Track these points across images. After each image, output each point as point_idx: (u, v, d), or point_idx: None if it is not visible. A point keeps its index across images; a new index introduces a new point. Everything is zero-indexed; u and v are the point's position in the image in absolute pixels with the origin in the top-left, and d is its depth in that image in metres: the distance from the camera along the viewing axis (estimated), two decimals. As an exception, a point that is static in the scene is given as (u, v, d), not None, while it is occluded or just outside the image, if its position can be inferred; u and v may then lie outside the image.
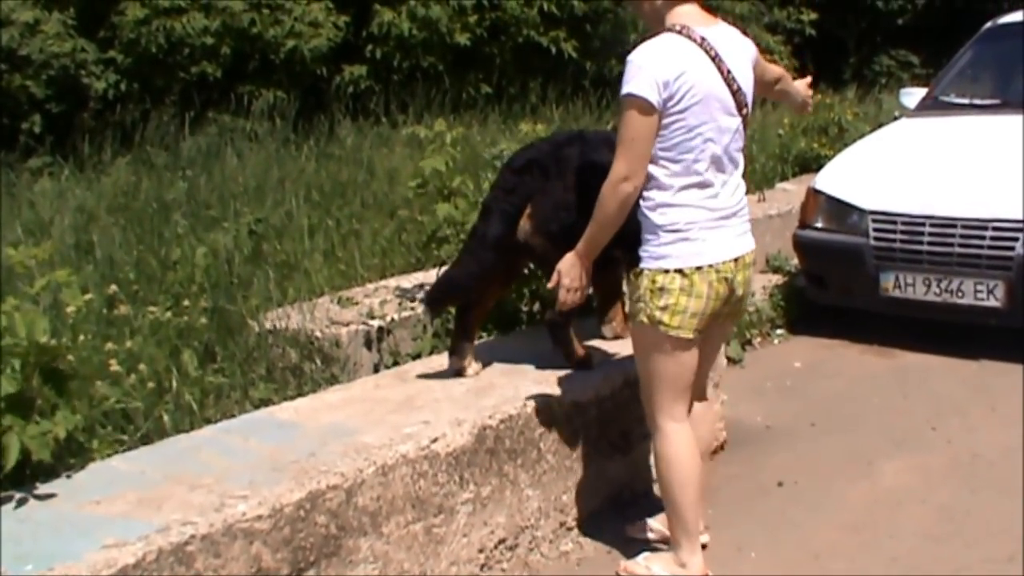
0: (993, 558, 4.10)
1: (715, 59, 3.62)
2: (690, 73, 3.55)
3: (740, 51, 3.77)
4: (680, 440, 3.83)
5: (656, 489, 4.12)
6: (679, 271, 3.63)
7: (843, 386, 6.15)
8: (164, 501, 3.24)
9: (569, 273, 3.80)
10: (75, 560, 2.86)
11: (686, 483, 3.83)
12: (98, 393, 4.14)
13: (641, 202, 3.68)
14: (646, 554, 4.03)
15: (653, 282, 3.66)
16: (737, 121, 3.72)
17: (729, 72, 3.65)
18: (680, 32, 3.61)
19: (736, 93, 3.68)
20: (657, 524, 4.22)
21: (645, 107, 3.53)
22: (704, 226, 3.65)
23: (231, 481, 3.39)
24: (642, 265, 3.69)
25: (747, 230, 3.85)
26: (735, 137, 3.73)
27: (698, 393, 4.04)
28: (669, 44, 3.60)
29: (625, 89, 3.56)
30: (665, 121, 3.57)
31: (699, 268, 3.64)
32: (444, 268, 5.53)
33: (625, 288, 4.88)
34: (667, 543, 4.04)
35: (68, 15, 11.48)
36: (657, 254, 3.66)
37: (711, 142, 3.64)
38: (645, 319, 3.70)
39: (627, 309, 4.87)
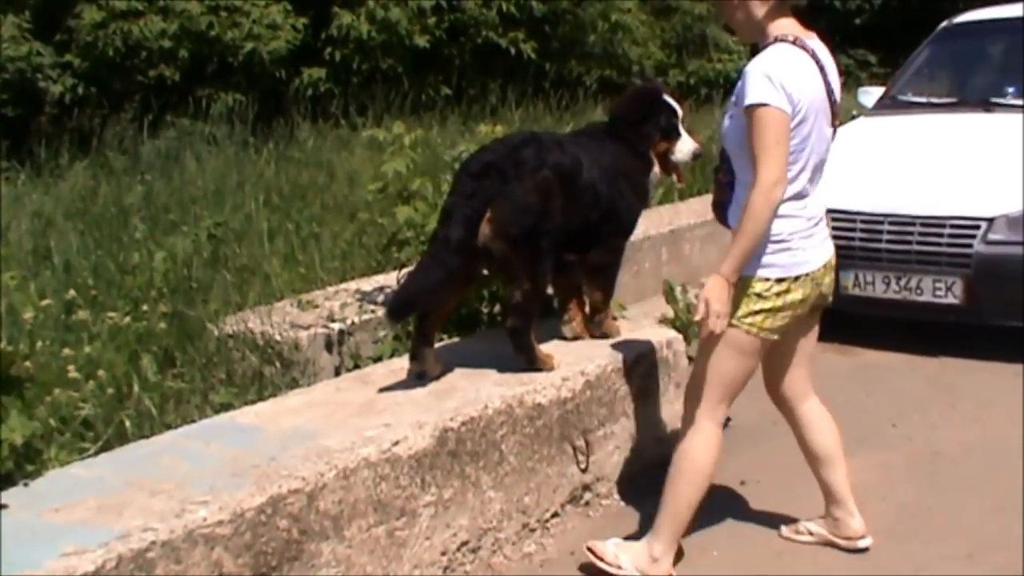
0: (953, 555, 4.13)
1: (821, 70, 3.70)
2: (807, 84, 3.64)
3: (832, 63, 3.83)
4: (712, 443, 3.92)
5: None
6: (779, 280, 3.70)
7: (804, 384, 6.16)
8: (124, 507, 3.21)
9: (719, 299, 3.65)
10: (35, 568, 2.83)
11: (699, 485, 3.92)
12: (56, 399, 4.10)
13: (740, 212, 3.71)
14: (616, 540, 4.05)
15: (751, 288, 3.72)
16: (830, 132, 3.80)
17: (829, 84, 3.73)
18: (794, 43, 3.67)
19: (833, 104, 3.77)
20: (817, 527, 4.27)
21: (780, 114, 3.57)
22: (802, 235, 3.72)
23: (192, 487, 3.36)
24: (748, 272, 3.71)
25: (828, 234, 3.90)
26: (828, 147, 3.80)
27: (808, 387, 4.17)
28: (790, 55, 3.66)
29: (757, 99, 3.57)
30: None
31: (797, 278, 3.72)
32: (406, 271, 5.53)
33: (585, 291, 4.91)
34: (829, 545, 4.20)
35: (23, 18, 11.37)
36: (757, 263, 3.69)
37: (814, 153, 3.71)
38: (738, 322, 3.74)
39: (583, 307, 4.93)
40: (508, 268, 4.38)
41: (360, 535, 3.61)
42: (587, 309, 4.94)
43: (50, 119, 11.46)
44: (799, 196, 3.72)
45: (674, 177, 5.10)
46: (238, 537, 3.22)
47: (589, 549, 4.01)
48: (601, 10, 14.06)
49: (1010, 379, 5.96)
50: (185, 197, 8.19)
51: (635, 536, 4.12)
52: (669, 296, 6.77)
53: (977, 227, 6.23)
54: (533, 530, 4.31)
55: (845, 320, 6.83)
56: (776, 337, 3.81)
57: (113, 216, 7.72)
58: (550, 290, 5.00)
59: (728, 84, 15.45)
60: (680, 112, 4.92)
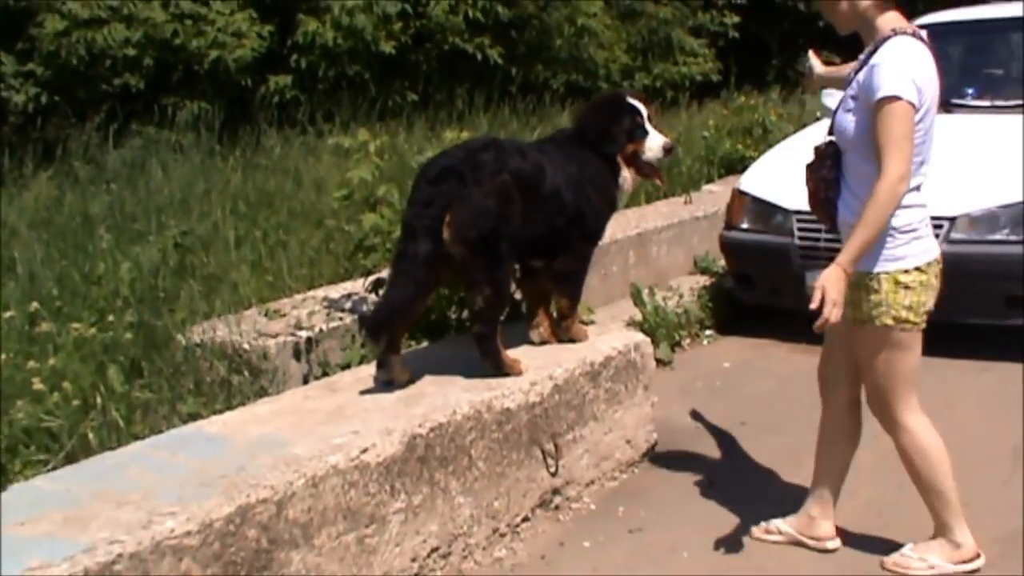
0: (921, 551, 4.16)
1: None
2: (931, 77, 3.68)
3: None
4: (927, 429, 3.96)
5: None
6: (917, 268, 3.74)
7: (772, 385, 6.21)
8: (90, 520, 3.19)
9: (836, 287, 3.62)
10: (-1, 583, 2.82)
11: (945, 468, 3.96)
12: (21, 412, 4.08)
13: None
14: (910, 545, 4.09)
15: (896, 283, 3.75)
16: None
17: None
18: (914, 36, 3.70)
19: (939, 95, 3.80)
20: (786, 527, 4.30)
21: (910, 108, 3.60)
22: (926, 223, 3.80)
23: (159, 497, 3.35)
24: (877, 269, 3.74)
25: None
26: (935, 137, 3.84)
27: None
28: (915, 48, 3.68)
29: (888, 91, 3.59)
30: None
31: (929, 263, 3.78)
32: (373, 278, 5.54)
33: (553, 299, 4.93)
34: (797, 545, 4.23)
35: (-17, 28, 11.31)
36: (894, 256, 3.74)
37: (931, 143, 3.77)
38: (891, 320, 3.78)
39: (554, 313, 4.94)
40: (468, 272, 4.38)
41: (330, 543, 3.60)
42: (554, 314, 4.95)
43: (13, 129, 11.36)
44: (919, 187, 3.79)
45: (656, 180, 5.08)
46: (206, 547, 3.21)
47: (889, 570, 4.06)
48: (567, 14, 14.07)
49: (974, 376, 6.02)
50: (151, 206, 8.14)
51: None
52: (637, 299, 6.82)
53: (940, 226, 6.25)
54: (503, 535, 4.32)
55: (812, 320, 6.88)
56: (923, 326, 3.85)
57: (78, 226, 7.66)
58: (518, 295, 5.02)
59: (693, 87, 15.53)
60: (645, 111, 4.92)
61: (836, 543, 4.23)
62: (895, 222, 3.69)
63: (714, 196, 9.09)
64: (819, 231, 6.64)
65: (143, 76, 11.70)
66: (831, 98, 8.73)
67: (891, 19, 3.75)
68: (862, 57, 3.81)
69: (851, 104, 3.78)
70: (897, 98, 3.58)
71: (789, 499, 4.65)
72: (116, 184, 8.96)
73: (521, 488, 4.39)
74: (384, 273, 5.35)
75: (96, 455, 3.95)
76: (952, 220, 6.21)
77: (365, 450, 3.75)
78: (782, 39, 19.53)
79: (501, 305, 4.47)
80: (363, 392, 4.38)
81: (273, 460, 3.63)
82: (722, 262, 7.70)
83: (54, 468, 3.88)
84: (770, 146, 8.79)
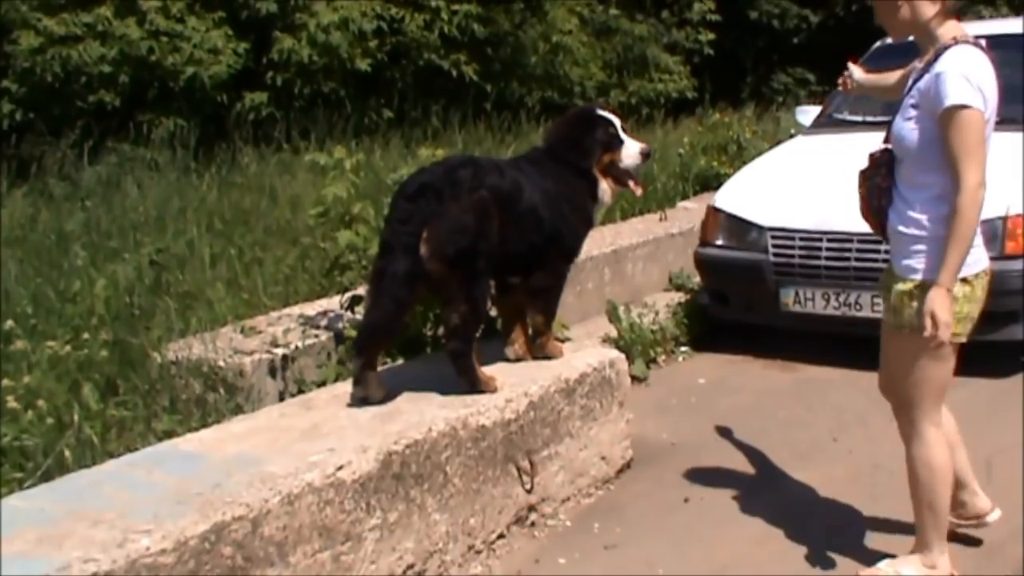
0: (894, 566, 4.19)
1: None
2: (993, 87, 3.68)
3: None
4: (942, 445, 3.94)
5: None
6: (963, 280, 3.71)
7: (747, 401, 6.24)
8: (65, 538, 3.18)
9: (943, 308, 3.60)
10: (-28, 602, 2.81)
11: (947, 488, 3.97)
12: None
13: (920, 215, 3.75)
14: (887, 560, 4.10)
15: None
16: None
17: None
18: (974, 45, 3.71)
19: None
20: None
21: (979, 115, 3.61)
22: (976, 233, 3.73)
23: (134, 515, 3.34)
24: (923, 277, 3.72)
25: None
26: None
27: None
28: (978, 57, 3.68)
29: (957, 100, 3.58)
30: None
31: (977, 275, 3.77)
32: (349, 295, 5.55)
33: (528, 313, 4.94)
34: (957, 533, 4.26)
35: (-43, 45, 11.29)
36: (940, 266, 3.69)
37: (988, 152, 3.73)
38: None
39: (526, 329, 4.95)
40: (445, 289, 4.40)
41: (305, 560, 3.59)
42: (530, 331, 4.97)
43: (-12, 145, 11.35)
44: None
45: (634, 188, 5.04)
46: (181, 565, 3.20)
47: None
48: (542, 32, 14.15)
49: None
50: (126, 223, 8.13)
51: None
52: (612, 316, 6.84)
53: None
54: (479, 552, 4.32)
55: (786, 336, 6.94)
56: (965, 340, 3.84)
57: (53, 243, 7.65)
58: (493, 312, 5.03)
59: (668, 104, 15.60)
60: (617, 121, 4.94)
61: (996, 514, 4.28)
62: (945, 232, 3.65)
63: (689, 213, 9.13)
64: (793, 248, 6.71)
65: (118, 93, 11.70)
66: (804, 115, 8.82)
67: (952, 28, 3.75)
68: (920, 65, 3.80)
69: (911, 112, 3.75)
70: (967, 106, 3.58)
71: (764, 515, 4.68)
72: (91, 201, 8.94)
73: (497, 505, 4.39)
74: (361, 290, 5.36)
75: (71, 473, 3.93)
76: (925, 236, 6.24)
77: (341, 467, 3.75)
78: (756, 56, 19.68)
79: (477, 322, 4.47)
80: (339, 409, 4.38)
81: (248, 478, 3.63)
82: (697, 279, 7.74)
83: (29, 486, 3.86)
84: (745, 163, 8.83)
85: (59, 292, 6.32)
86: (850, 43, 14.67)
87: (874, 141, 7.55)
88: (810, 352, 6.81)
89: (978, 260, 3.78)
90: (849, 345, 6.68)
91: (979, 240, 3.78)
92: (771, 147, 9.23)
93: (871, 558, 4.18)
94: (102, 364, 5.18)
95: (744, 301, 7.07)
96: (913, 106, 3.74)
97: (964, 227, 3.58)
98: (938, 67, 3.65)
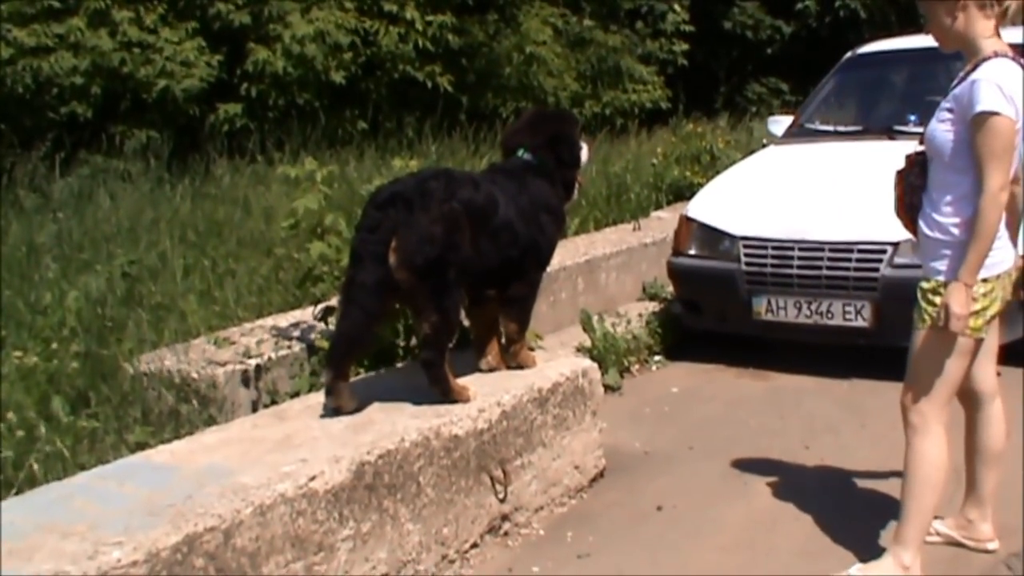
0: (865, 572, 4.21)
1: None
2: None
3: None
4: (944, 443, 4.01)
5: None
6: (984, 280, 3.83)
7: (720, 409, 6.26)
8: (35, 551, 3.17)
9: (958, 302, 3.78)
10: (-59, 616, 2.79)
11: (939, 487, 4.02)
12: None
13: (945, 218, 3.89)
14: (858, 566, 4.14)
15: None
16: None
17: None
18: (1012, 59, 3.84)
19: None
20: (945, 528, 4.35)
21: (1009, 123, 3.75)
22: (1001, 234, 3.87)
23: (105, 528, 3.33)
24: (944, 278, 3.86)
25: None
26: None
27: (996, 384, 4.27)
28: (1014, 69, 3.82)
29: (989, 107, 3.74)
30: None
31: (999, 275, 3.88)
32: (322, 307, 5.54)
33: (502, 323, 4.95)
34: (955, 545, 4.31)
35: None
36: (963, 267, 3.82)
37: (1019, 161, 3.90)
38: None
39: (499, 339, 4.96)
40: (415, 299, 4.40)
41: (278, 572, 3.59)
42: (503, 340, 4.98)
43: (-41, 158, 11.28)
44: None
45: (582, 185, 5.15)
46: (153, 577, 3.20)
47: None
48: (516, 43, 14.18)
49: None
50: (98, 235, 8.11)
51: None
52: (586, 325, 6.85)
53: (883, 251, 6.36)
54: (452, 561, 4.32)
55: (759, 345, 6.97)
56: (984, 335, 3.98)
57: (24, 255, 7.61)
58: (467, 322, 5.03)
59: (642, 114, 15.65)
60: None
61: (996, 544, 4.31)
62: (968, 237, 3.80)
63: (662, 223, 9.15)
64: (765, 257, 6.74)
65: (91, 105, 11.66)
66: (777, 125, 8.87)
67: (994, 43, 3.88)
68: (961, 74, 3.93)
69: (945, 116, 3.91)
70: (997, 113, 3.73)
71: (737, 523, 4.70)
72: (63, 213, 8.91)
73: (470, 514, 4.39)
74: (333, 301, 5.35)
75: (41, 486, 3.91)
76: (895, 245, 6.28)
77: (313, 478, 3.75)
78: (730, 67, 19.77)
79: (449, 332, 4.47)
80: (312, 420, 4.38)
81: (221, 489, 3.62)
82: (670, 288, 7.76)
83: (-2, 499, 3.84)
84: (717, 173, 8.86)
85: (29, 304, 6.30)
86: (823, 54, 14.86)
87: (844, 151, 7.70)
88: (782, 361, 6.85)
89: (1001, 262, 3.91)
90: (821, 353, 6.73)
91: (1004, 243, 3.92)
92: (744, 157, 9.27)
93: (843, 564, 4.20)
94: (73, 376, 5.17)
95: (717, 310, 7.10)
96: (948, 110, 3.91)
97: (985, 228, 3.76)
98: (975, 75, 3.81)
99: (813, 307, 6.55)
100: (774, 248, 6.72)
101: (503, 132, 5.39)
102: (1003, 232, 3.90)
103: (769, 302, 6.70)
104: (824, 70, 9.27)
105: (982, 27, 3.87)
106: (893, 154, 7.10)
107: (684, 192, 10.29)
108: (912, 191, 4.07)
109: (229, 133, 11.91)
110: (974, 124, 3.77)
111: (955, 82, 3.94)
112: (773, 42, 19.80)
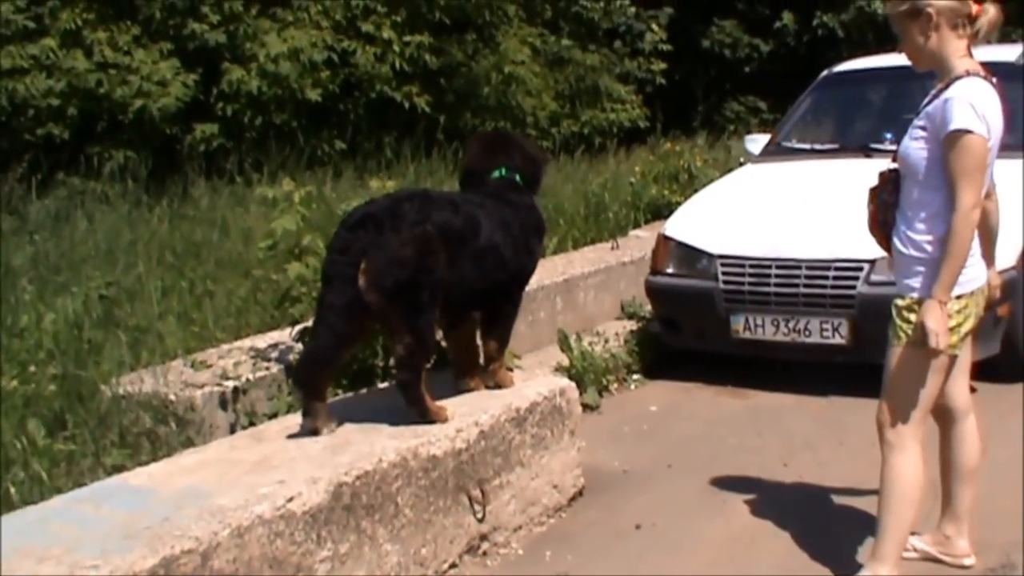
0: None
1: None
2: (997, 118, 3.87)
3: None
4: (920, 461, 4.04)
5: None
6: (958, 296, 3.88)
7: (699, 428, 6.27)
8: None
9: (935, 319, 3.80)
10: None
11: (915, 503, 4.04)
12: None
13: (918, 235, 3.93)
14: None
15: None
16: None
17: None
18: (984, 78, 3.89)
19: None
20: (922, 544, 4.36)
21: (981, 141, 3.80)
22: (973, 252, 3.91)
23: (82, 551, 3.32)
24: (920, 294, 3.89)
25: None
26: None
27: (970, 400, 4.30)
28: (986, 88, 3.87)
29: (961, 124, 3.79)
30: None
31: (973, 292, 3.94)
32: (300, 328, 5.53)
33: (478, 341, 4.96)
34: (931, 561, 4.32)
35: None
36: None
37: (990, 179, 3.98)
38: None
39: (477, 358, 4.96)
40: (387, 320, 4.40)
41: (255, 593, 3.58)
42: (480, 360, 4.98)
43: (-65, 181, 11.22)
44: None
45: None
46: (129, 601, 3.18)
47: None
48: (495, 62, 14.18)
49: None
50: (75, 257, 8.07)
51: None
52: (564, 345, 6.86)
53: (860, 269, 6.39)
54: (431, 582, 4.32)
55: (737, 363, 6.99)
56: (959, 352, 4.02)
57: (0, 278, 7.58)
58: (443, 343, 5.04)
59: (620, 133, 15.68)
60: None
61: (972, 560, 4.32)
62: (941, 254, 3.83)
63: (640, 241, 9.17)
64: (743, 275, 6.77)
65: (67, 126, 11.61)
66: (754, 143, 8.91)
67: (966, 62, 3.92)
68: (933, 92, 3.98)
69: (919, 134, 3.95)
70: (969, 131, 3.78)
71: (716, 541, 4.71)
72: (40, 235, 8.86)
73: (448, 535, 4.39)
74: (311, 323, 5.35)
75: (17, 510, 3.89)
76: (872, 263, 6.31)
77: (291, 499, 3.74)
78: (708, 86, 19.85)
79: (424, 353, 4.46)
80: (289, 441, 4.37)
81: (198, 511, 3.61)
82: (649, 307, 7.77)
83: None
84: (696, 191, 8.89)
85: (5, 327, 6.26)
86: (800, 72, 14.93)
87: (821, 169, 7.74)
88: (761, 378, 6.87)
89: (974, 278, 3.95)
90: (799, 371, 6.76)
91: (976, 260, 3.97)
92: (721, 175, 9.30)
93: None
94: (50, 399, 5.15)
95: (695, 329, 7.12)
96: (921, 128, 3.95)
97: (958, 245, 3.80)
98: (947, 94, 3.86)
99: (791, 325, 6.58)
100: (751, 266, 6.75)
101: (464, 157, 5.35)
102: (976, 249, 3.94)
103: (747, 320, 6.72)
104: (802, 88, 9.32)
105: (954, 46, 3.92)
106: (869, 172, 7.16)
107: (662, 211, 10.30)
108: (885, 208, 4.11)
109: (207, 154, 11.86)
110: (947, 142, 3.81)
111: (927, 100, 3.98)
112: (751, 61, 19.89)
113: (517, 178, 4.97)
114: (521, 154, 5.04)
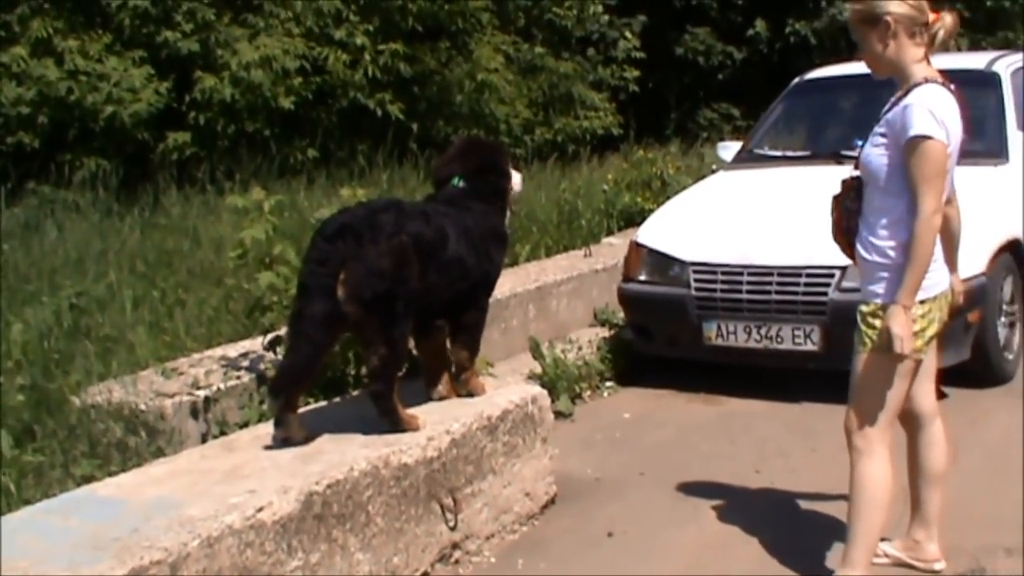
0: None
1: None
2: (956, 124, 3.90)
3: None
4: (888, 466, 4.05)
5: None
6: (922, 301, 3.90)
7: (671, 435, 6.28)
8: (-23, 588, 3.14)
9: (900, 324, 3.82)
10: None
11: (885, 508, 4.06)
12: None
13: (881, 241, 3.95)
14: None
15: None
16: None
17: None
18: (942, 84, 3.92)
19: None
20: (892, 549, 4.37)
21: (941, 147, 3.84)
22: (936, 257, 3.94)
23: (49, 563, 3.30)
24: (884, 300, 3.91)
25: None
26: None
27: (936, 405, 4.33)
28: (944, 95, 3.91)
29: (921, 131, 3.82)
30: None
31: (935, 297, 3.97)
32: (271, 336, 5.51)
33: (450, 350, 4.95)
34: (902, 566, 4.35)
35: None
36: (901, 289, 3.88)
37: (951, 184, 4.02)
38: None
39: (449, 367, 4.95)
40: (363, 331, 4.40)
41: (225, 604, 3.57)
42: (452, 368, 4.98)
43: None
44: None
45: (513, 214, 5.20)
46: (97, 612, 3.16)
47: None
48: (468, 70, 14.18)
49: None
50: (45, 267, 8.01)
51: None
52: (536, 352, 6.86)
53: (831, 275, 6.41)
54: (403, 591, 4.30)
55: (710, 370, 7.00)
56: (924, 356, 4.05)
57: (-33, 288, 7.53)
58: (415, 352, 5.03)
59: (594, 141, 15.70)
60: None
61: (942, 565, 4.33)
62: (904, 260, 3.86)
63: (613, 249, 9.18)
64: (715, 282, 6.78)
65: (38, 134, 11.54)
66: (726, 151, 8.94)
67: (924, 69, 3.96)
68: (892, 99, 4.01)
69: (879, 140, 3.98)
70: (929, 137, 3.81)
71: (688, 548, 4.71)
72: (8, 244, 8.79)
73: (420, 543, 4.38)
74: (282, 331, 5.33)
75: (-15, 521, 3.87)
76: (843, 269, 6.33)
77: (261, 509, 3.73)
78: (681, 93, 19.91)
79: (397, 363, 4.47)
80: (261, 451, 4.36)
81: (168, 522, 3.59)
82: (621, 314, 7.78)
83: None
84: (668, 198, 8.90)
85: (-27, 338, 6.22)
86: (773, 79, 14.99)
87: (793, 176, 7.76)
88: (733, 385, 6.89)
89: (937, 283, 3.98)
90: (772, 378, 6.78)
91: (939, 265, 4.00)
92: (694, 183, 9.32)
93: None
94: (18, 409, 5.11)
95: (668, 336, 7.13)
96: (882, 135, 3.98)
97: (921, 250, 3.83)
98: (906, 100, 3.90)
99: (763, 331, 6.60)
100: (724, 273, 6.77)
101: (435, 163, 5.38)
102: (939, 254, 3.97)
103: (719, 327, 6.74)
104: (775, 96, 9.34)
105: (912, 53, 3.95)
106: (840, 178, 7.21)
107: (635, 218, 10.32)
108: (848, 215, 4.15)
109: (179, 162, 11.82)
110: (907, 148, 3.84)
111: (887, 107, 4.01)
112: (724, 68, 19.97)
113: (465, 186, 4.96)
114: (476, 164, 5.02)
